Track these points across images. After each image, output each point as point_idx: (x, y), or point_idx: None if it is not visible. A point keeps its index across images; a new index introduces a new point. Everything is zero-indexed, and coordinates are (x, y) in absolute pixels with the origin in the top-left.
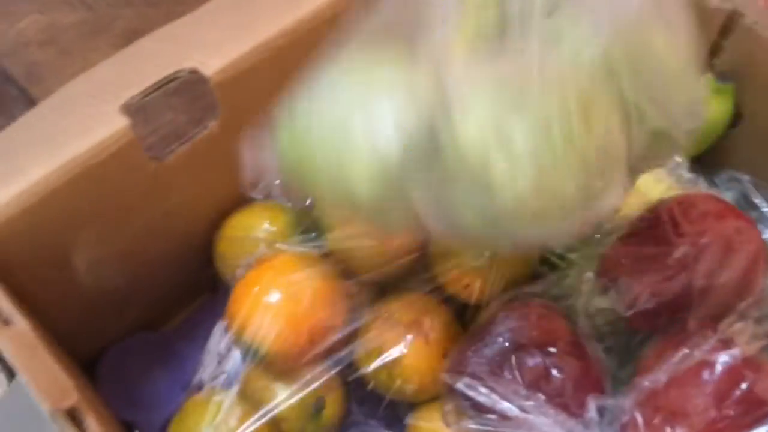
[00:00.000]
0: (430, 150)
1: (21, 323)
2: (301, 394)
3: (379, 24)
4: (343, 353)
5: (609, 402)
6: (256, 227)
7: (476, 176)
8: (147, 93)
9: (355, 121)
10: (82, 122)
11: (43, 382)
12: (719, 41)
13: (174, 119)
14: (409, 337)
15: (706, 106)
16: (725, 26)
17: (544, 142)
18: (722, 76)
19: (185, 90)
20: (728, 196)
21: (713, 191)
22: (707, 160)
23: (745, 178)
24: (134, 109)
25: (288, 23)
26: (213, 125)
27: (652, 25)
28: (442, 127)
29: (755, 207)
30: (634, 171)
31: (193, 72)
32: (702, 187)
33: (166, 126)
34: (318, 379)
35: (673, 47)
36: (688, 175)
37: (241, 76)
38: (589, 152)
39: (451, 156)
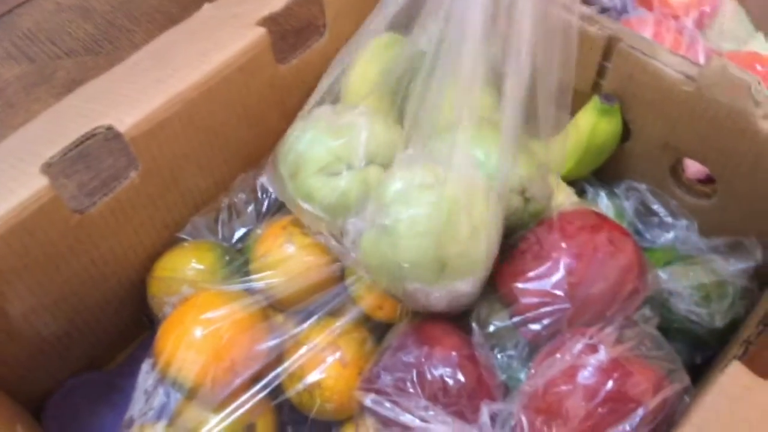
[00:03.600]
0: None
1: None
2: (229, 421)
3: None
4: (268, 379)
5: (500, 407)
6: (184, 267)
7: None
8: (66, 151)
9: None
10: (5, 184)
11: None
12: (603, 63)
13: (99, 172)
14: (328, 359)
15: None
16: (606, 50)
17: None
18: (608, 97)
19: (103, 145)
20: (628, 205)
21: (614, 201)
22: (607, 173)
23: (642, 186)
24: (54, 168)
25: (198, 76)
26: (133, 176)
27: None
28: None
29: (654, 213)
30: None
31: (110, 128)
32: (603, 197)
33: (87, 180)
34: (246, 405)
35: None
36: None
37: (156, 129)
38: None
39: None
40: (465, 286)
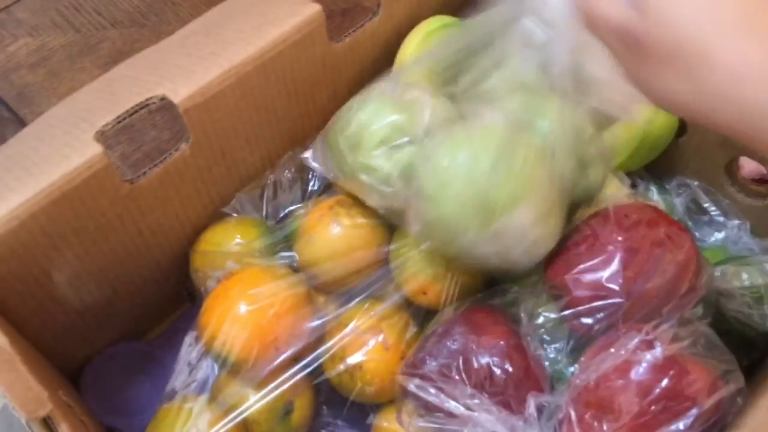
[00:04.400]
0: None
1: (0, 339)
2: (269, 398)
3: None
4: (309, 359)
5: (547, 399)
6: (228, 242)
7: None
8: (120, 120)
9: None
10: (58, 150)
11: (19, 393)
12: None
13: (146, 144)
14: (370, 342)
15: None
16: None
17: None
18: None
19: (156, 116)
20: (679, 201)
21: (665, 197)
22: (659, 168)
23: (694, 183)
24: (108, 136)
25: (252, 50)
26: (184, 148)
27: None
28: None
29: (705, 211)
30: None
31: (163, 99)
32: (654, 192)
33: (139, 150)
34: (286, 383)
35: None
36: (629, 189)
37: (209, 101)
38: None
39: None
40: (520, 216)
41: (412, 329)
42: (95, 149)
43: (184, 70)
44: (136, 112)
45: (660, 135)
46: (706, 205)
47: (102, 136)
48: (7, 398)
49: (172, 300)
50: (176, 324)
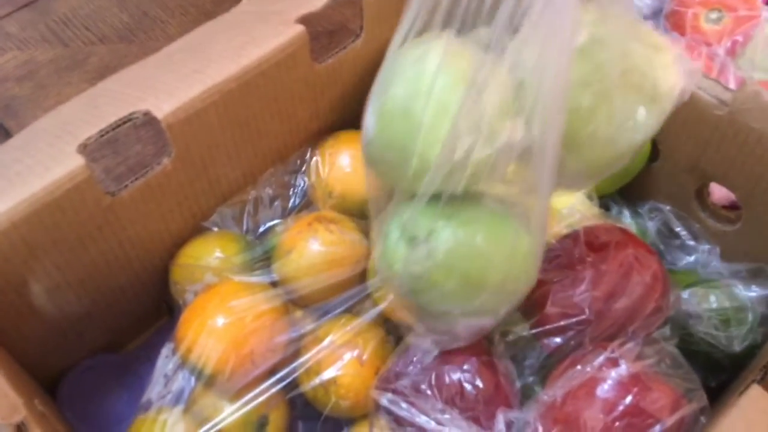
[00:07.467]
0: None
1: None
2: (244, 411)
3: None
4: (284, 372)
5: (516, 415)
6: (208, 255)
7: None
8: (103, 133)
9: None
10: (42, 161)
11: None
12: None
13: (128, 157)
14: (345, 357)
15: None
16: None
17: None
18: None
19: (139, 130)
20: (651, 225)
21: (638, 220)
22: (632, 192)
23: (666, 208)
24: (91, 149)
25: (236, 69)
26: (166, 162)
27: None
28: None
29: (677, 235)
30: None
31: (147, 114)
32: (626, 215)
33: (121, 163)
34: (261, 396)
35: None
36: (598, 208)
37: (192, 117)
38: None
39: None
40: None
41: (389, 344)
42: (77, 161)
43: (168, 86)
44: (119, 126)
45: (635, 158)
46: (677, 229)
47: (85, 149)
48: None
49: (151, 313)
50: (155, 337)
